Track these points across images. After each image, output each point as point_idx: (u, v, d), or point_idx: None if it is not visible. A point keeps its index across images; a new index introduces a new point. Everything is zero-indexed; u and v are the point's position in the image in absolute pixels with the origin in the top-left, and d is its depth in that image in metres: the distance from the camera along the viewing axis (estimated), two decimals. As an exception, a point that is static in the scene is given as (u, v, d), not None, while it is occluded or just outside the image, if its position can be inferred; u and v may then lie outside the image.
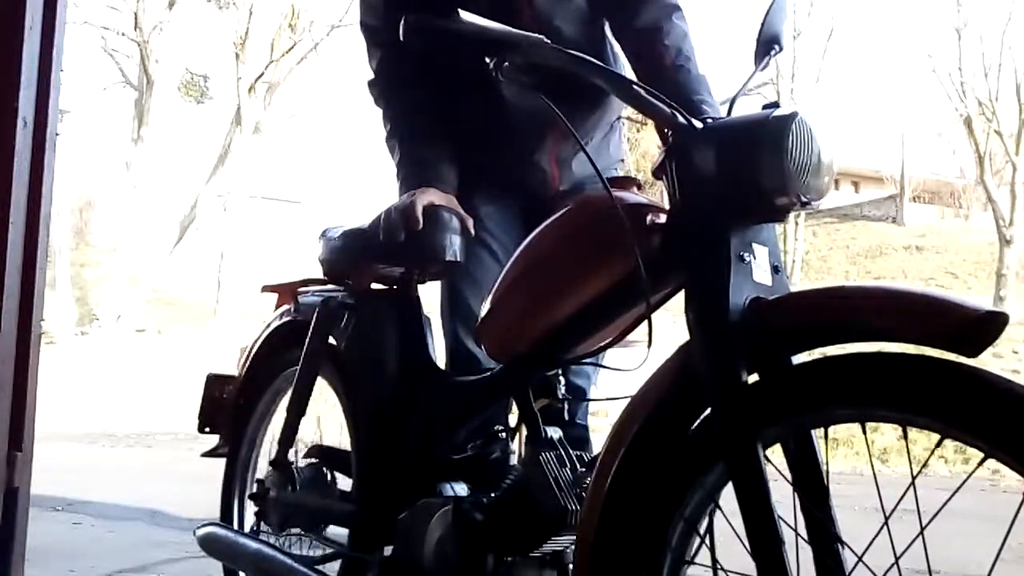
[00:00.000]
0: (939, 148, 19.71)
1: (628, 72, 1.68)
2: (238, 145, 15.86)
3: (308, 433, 1.77)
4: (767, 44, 1.27)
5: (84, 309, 16.07)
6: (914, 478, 0.94)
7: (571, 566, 1.30)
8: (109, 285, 15.12)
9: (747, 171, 1.01)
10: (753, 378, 1.02)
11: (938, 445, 0.91)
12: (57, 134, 1.69)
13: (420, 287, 1.63)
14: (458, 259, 1.51)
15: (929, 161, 20.28)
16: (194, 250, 16.85)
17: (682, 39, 1.62)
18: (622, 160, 1.83)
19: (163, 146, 17.70)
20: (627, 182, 1.27)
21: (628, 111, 1.92)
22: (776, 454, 0.99)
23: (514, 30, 1.11)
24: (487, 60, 1.10)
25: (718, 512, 1.04)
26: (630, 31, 1.66)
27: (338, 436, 1.72)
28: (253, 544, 1.65)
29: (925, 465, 1.07)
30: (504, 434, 1.46)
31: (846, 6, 30.81)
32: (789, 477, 1.00)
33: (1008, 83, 13.02)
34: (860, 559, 0.94)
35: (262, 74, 16.06)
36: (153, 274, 15.98)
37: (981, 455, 0.87)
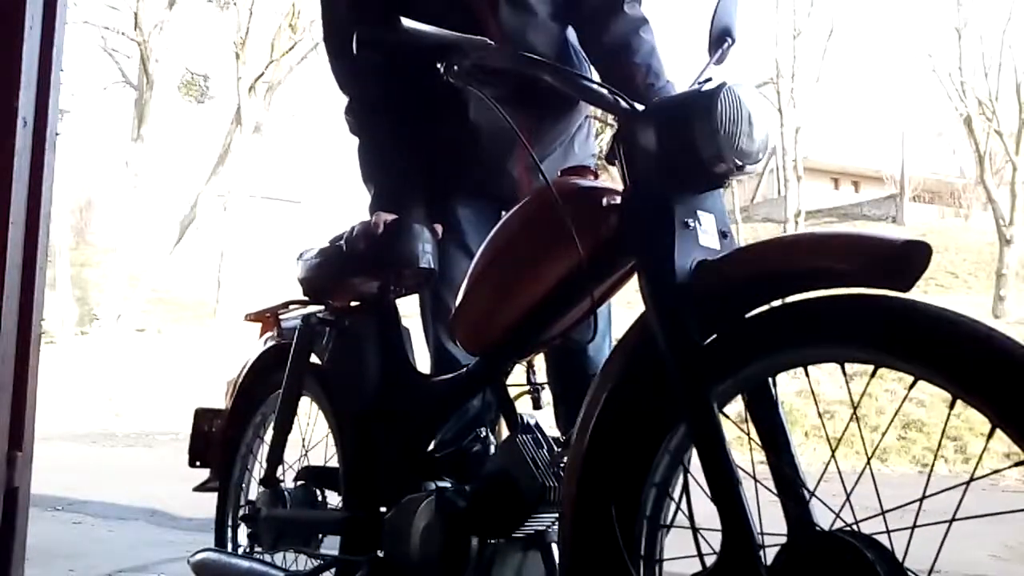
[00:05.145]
0: (939, 148, 19.72)
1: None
2: (238, 145, 15.85)
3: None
4: (719, 37, 1.35)
5: (84, 309, 16.06)
6: (856, 406, 1.01)
7: (554, 544, 1.33)
8: (109, 285, 15.10)
9: (684, 143, 1.09)
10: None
11: (872, 375, 0.96)
12: (57, 134, 1.69)
13: (399, 300, 1.67)
14: (432, 266, 1.56)
15: (929, 161, 20.29)
16: (194, 250, 16.83)
17: (650, 55, 1.67)
18: (593, 155, 1.85)
19: (163, 146, 17.71)
20: (583, 171, 1.30)
21: (595, 110, 1.96)
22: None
23: (458, 34, 1.16)
24: (438, 65, 1.16)
25: (687, 474, 1.08)
26: (599, 46, 1.70)
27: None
28: (246, 564, 1.67)
29: (863, 394, 1.14)
30: (484, 429, 1.49)
31: (846, 6, 30.80)
32: (753, 437, 1.03)
33: (1008, 83, 12.98)
34: (812, 493, 0.99)
35: (262, 74, 16.04)
36: (153, 274, 15.97)
37: (910, 379, 0.91)
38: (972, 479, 0.91)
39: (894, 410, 5.76)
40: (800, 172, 15.89)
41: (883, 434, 5.51)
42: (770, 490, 1.00)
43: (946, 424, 1.19)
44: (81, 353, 12.11)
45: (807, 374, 1.01)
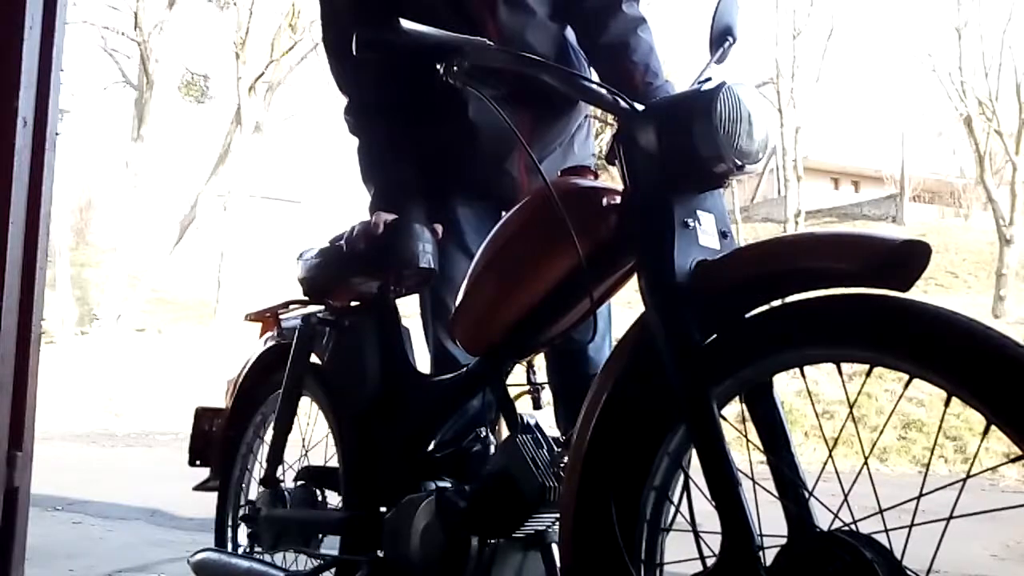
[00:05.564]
0: (939, 148, 19.73)
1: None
2: (238, 145, 15.84)
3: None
4: (721, 36, 1.35)
5: (84, 309, 16.06)
6: (852, 406, 1.04)
7: (554, 545, 1.33)
8: (109, 285, 15.10)
9: (684, 143, 1.09)
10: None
11: (868, 374, 0.97)
12: (57, 134, 1.68)
13: (399, 300, 1.67)
14: (432, 266, 1.55)
15: (929, 161, 20.31)
16: (194, 250, 16.84)
17: (648, 54, 1.67)
18: (593, 155, 1.85)
19: (163, 146, 17.71)
20: (582, 171, 1.30)
21: (595, 110, 1.96)
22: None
23: (457, 35, 1.15)
24: (437, 66, 1.15)
25: (687, 477, 1.08)
26: (597, 47, 1.70)
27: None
28: (245, 563, 1.67)
29: (859, 393, 1.20)
30: (484, 429, 1.49)
31: (846, 6, 30.81)
32: (751, 437, 1.03)
33: (1008, 83, 12.96)
34: (811, 494, 0.99)
35: (262, 74, 16.03)
36: (153, 274, 15.97)
37: (907, 378, 0.92)
38: (968, 476, 0.92)
39: (894, 410, 5.76)
40: (800, 172, 15.88)
41: (880, 432, 5.51)
42: (768, 491, 1.00)
43: (942, 421, 1.21)
44: (81, 353, 12.10)
45: (803, 374, 1.02)
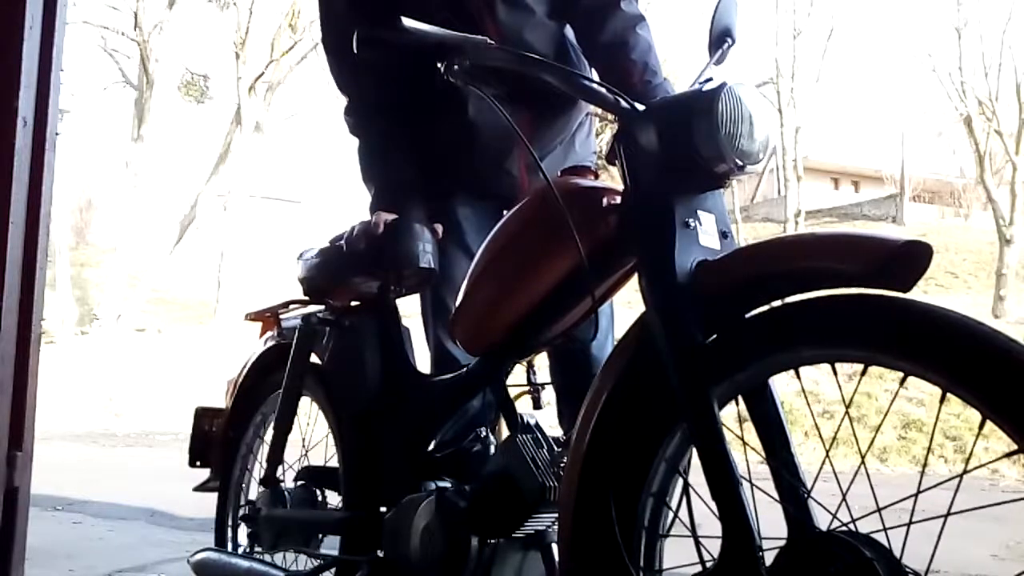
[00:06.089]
0: (939, 148, 19.75)
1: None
2: (238, 145, 15.84)
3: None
4: (720, 38, 1.36)
5: (84, 309, 16.06)
6: (848, 405, 0.99)
7: (554, 545, 1.33)
8: (109, 285, 15.10)
9: (684, 143, 1.09)
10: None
11: (863, 374, 0.97)
12: (57, 134, 1.69)
13: (399, 300, 1.67)
14: (432, 266, 1.55)
15: (929, 161, 20.32)
16: (194, 250, 16.84)
17: (647, 52, 1.67)
18: (595, 153, 1.85)
19: (163, 146, 17.72)
20: (583, 171, 1.30)
21: (596, 108, 1.96)
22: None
23: (457, 33, 1.15)
24: (438, 65, 1.15)
25: (686, 482, 1.08)
26: (597, 45, 1.70)
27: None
28: (245, 563, 1.67)
29: (855, 393, 1.16)
30: (484, 429, 1.49)
31: (846, 6, 30.81)
32: (748, 438, 1.03)
33: (1008, 83, 12.97)
34: (809, 494, 0.99)
35: (262, 74, 16.03)
36: (153, 274, 15.97)
37: (901, 377, 0.92)
38: (965, 471, 0.92)
39: (893, 409, 5.76)
40: (800, 172, 15.88)
41: (877, 430, 5.51)
42: (766, 492, 1.00)
43: (937, 418, 1.22)
44: (81, 353, 12.10)
45: (798, 375, 1.02)
